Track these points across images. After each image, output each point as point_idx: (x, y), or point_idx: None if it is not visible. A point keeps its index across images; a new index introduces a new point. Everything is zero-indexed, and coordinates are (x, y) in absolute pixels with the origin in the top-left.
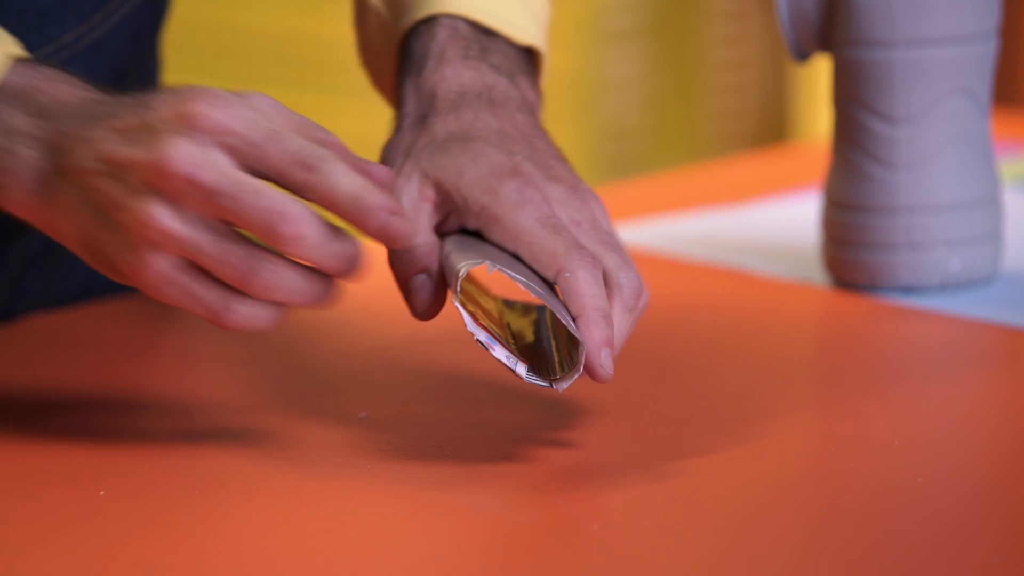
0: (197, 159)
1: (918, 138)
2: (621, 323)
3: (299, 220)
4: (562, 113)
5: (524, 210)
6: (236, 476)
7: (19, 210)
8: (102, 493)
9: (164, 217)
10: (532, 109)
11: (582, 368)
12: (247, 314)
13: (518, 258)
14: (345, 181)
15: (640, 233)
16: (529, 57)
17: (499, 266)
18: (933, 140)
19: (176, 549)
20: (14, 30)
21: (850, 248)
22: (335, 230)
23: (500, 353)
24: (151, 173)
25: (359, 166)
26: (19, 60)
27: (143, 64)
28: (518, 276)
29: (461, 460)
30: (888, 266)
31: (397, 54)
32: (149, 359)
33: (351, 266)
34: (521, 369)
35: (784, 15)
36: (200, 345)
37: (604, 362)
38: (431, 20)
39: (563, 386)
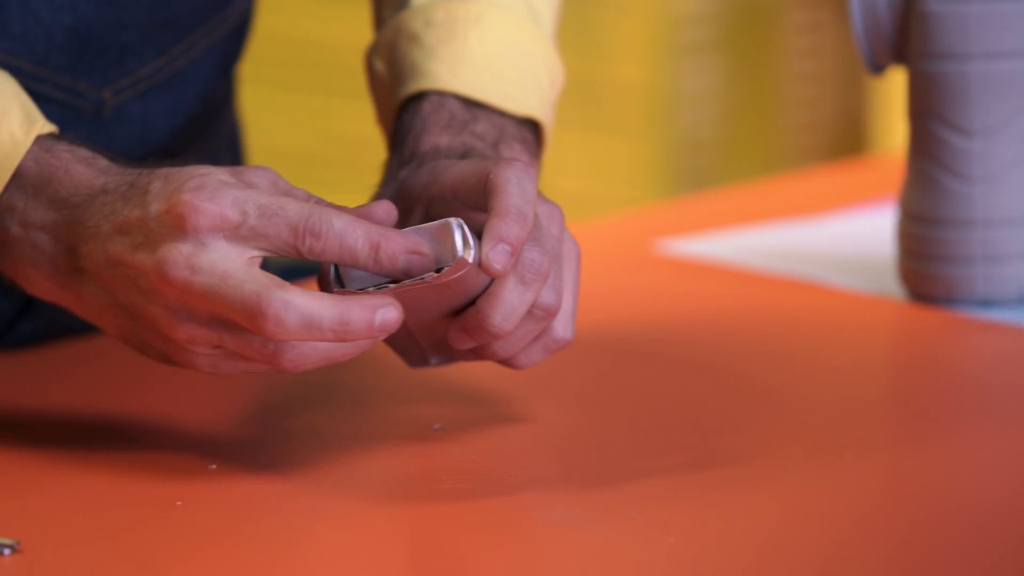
0: (190, 264)
1: (994, 151)
2: (513, 293)
3: (275, 309)
4: (637, 126)
5: (460, 164)
6: (314, 483)
7: (50, 298)
8: (179, 503)
9: (183, 321)
10: None
11: (472, 261)
12: (299, 353)
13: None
14: (354, 236)
15: (715, 246)
16: (530, 129)
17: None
18: (1009, 152)
19: (254, 559)
20: (92, 65)
21: (926, 261)
22: (326, 302)
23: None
24: (156, 280)
25: (360, 213)
26: (40, 139)
27: (222, 88)
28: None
29: (534, 472)
30: (965, 279)
31: (392, 124)
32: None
33: (376, 328)
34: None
35: (859, 28)
36: None
37: (497, 257)
38: (419, 96)
39: (433, 277)
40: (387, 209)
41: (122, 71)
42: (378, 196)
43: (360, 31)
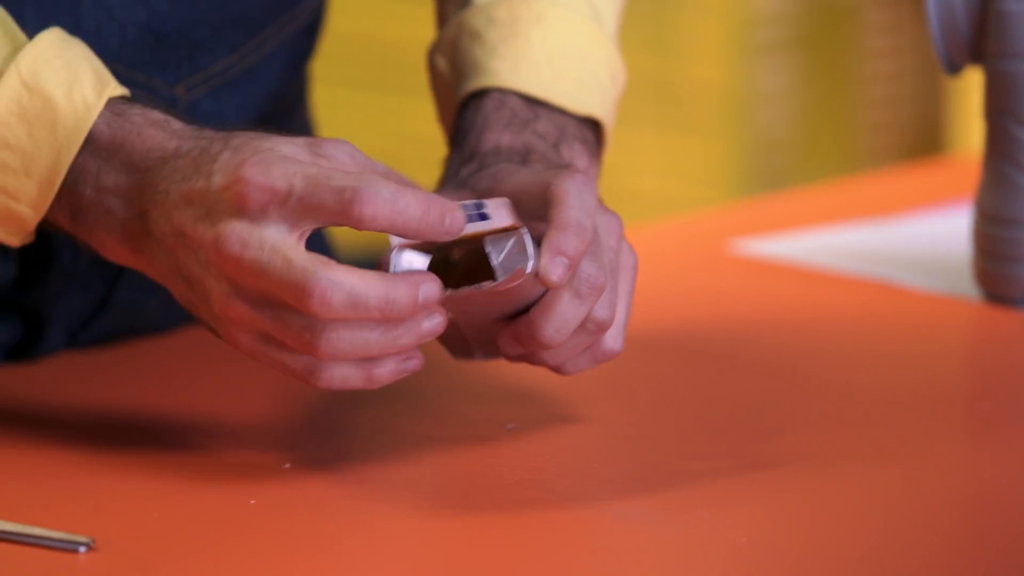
0: (244, 240)
1: None
2: (567, 307)
3: (321, 288)
4: (712, 126)
5: (522, 172)
6: (387, 482)
7: (123, 262)
8: (253, 502)
9: (233, 298)
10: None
11: (529, 271)
12: (335, 377)
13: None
14: (405, 200)
15: (790, 246)
16: (591, 128)
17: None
18: None
19: (328, 557)
20: (166, 62)
21: (1002, 262)
22: (371, 279)
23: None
24: (213, 253)
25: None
26: (112, 103)
27: (294, 86)
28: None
29: (606, 471)
30: None
31: (453, 121)
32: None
33: (423, 300)
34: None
35: (935, 28)
36: None
37: (555, 269)
38: (481, 93)
39: (490, 285)
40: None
41: (194, 67)
42: (438, 193)
43: (433, 31)
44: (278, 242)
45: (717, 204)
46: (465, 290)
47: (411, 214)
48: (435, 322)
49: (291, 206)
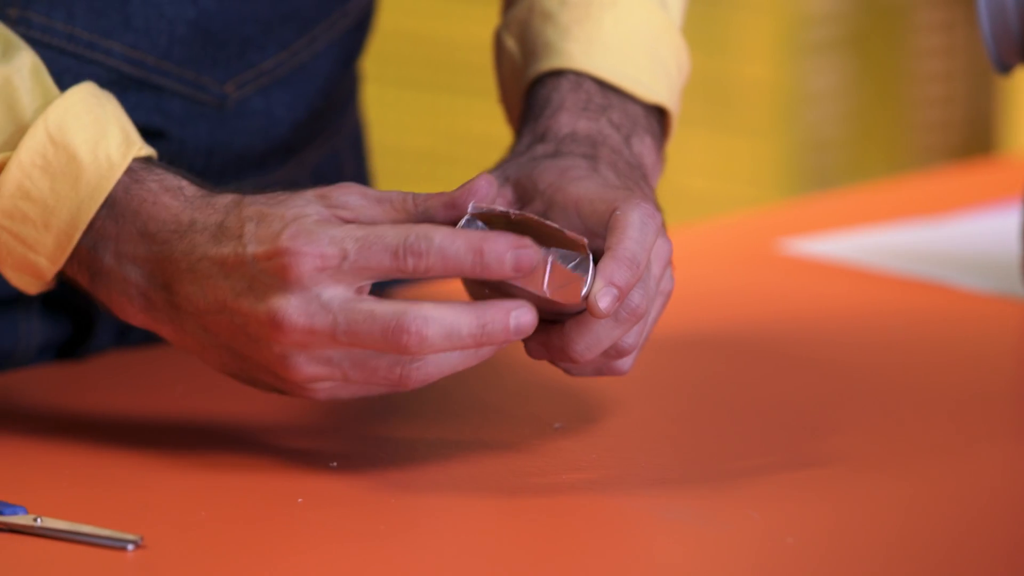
0: (307, 309)
1: None
2: (604, 329)
3: (416, 326)
4: (762, 125)
5: (590, 180)
6: (433, 480)
7: (145, 327)
8: (300, 500)
9: (302, 364)
10: (643, 170)
11: (582, 296)
12: (425, 373)
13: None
14: (455, 248)
15: (839, 245)
16: (657, 116)
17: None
18: None
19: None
20: (215, 59)
21: None
22: (462, 309)
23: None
24: (269, 328)
25: (463, 190)
26: (131, 168)
27: (344, 84)
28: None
29: (653, 470)
30: None
31: (523, 99)
32: None
33: (511, 331)
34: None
35: (986, 28)
36: None
37: (604, 300)
38: (557, 73)
39: (545, 292)
40: (488, 180)
41: (245, 65)
42: (506, 167)
43: (487, 29)
44: (345, 301)
45: (766, 203)
46: (517, 288)
47: (463, 259)
48: (526, 319)
49: (345, 270)
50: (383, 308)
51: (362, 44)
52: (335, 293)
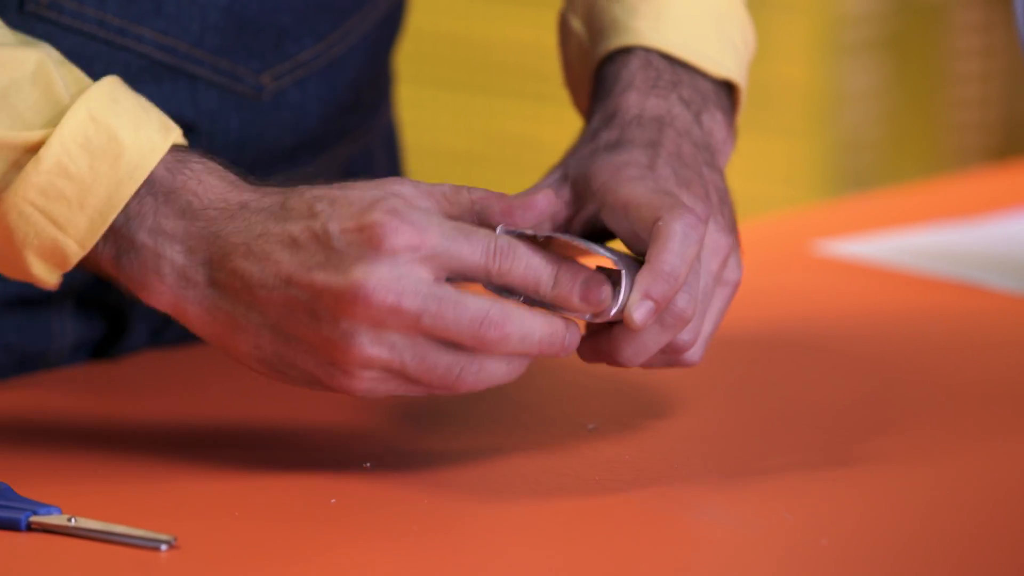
0: (397, 285)
1: None
2: (650, 335)
3: (501, 322)
4: (797, 125)
5: (642, 182)
6: (468, 482)
7: (167, 310)
8: (333, 501)
9: (365, 344)
10: (711, 149)
11: (611, 315)
12: (481, 378)
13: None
14: (538, 262)
15: (875, 247)
16: (726, 91)
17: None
18: None
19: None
20: (251, 49)
21: None
22: (536, 316)
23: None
24: (346, 302)
25: (522, 202)
26: (173, 149)
27: (377, 79)
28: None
29: (687, 471)
30: None
31: (592, 79)
32: None
33: (566, 346)
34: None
35: (1022, 28)
36: None
37: (639, 313)
38: (626, 50)
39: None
40: (547, 197)
41: (281, 56)
42: (568, 163)
43: (521, 30)
44: (435, 285)
45: (802, 204)
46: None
47: (542, 277)
48: (574, 340)
49: (436, 255)
50: (473, 299)
51: (392, 38)
52: (423, 276)
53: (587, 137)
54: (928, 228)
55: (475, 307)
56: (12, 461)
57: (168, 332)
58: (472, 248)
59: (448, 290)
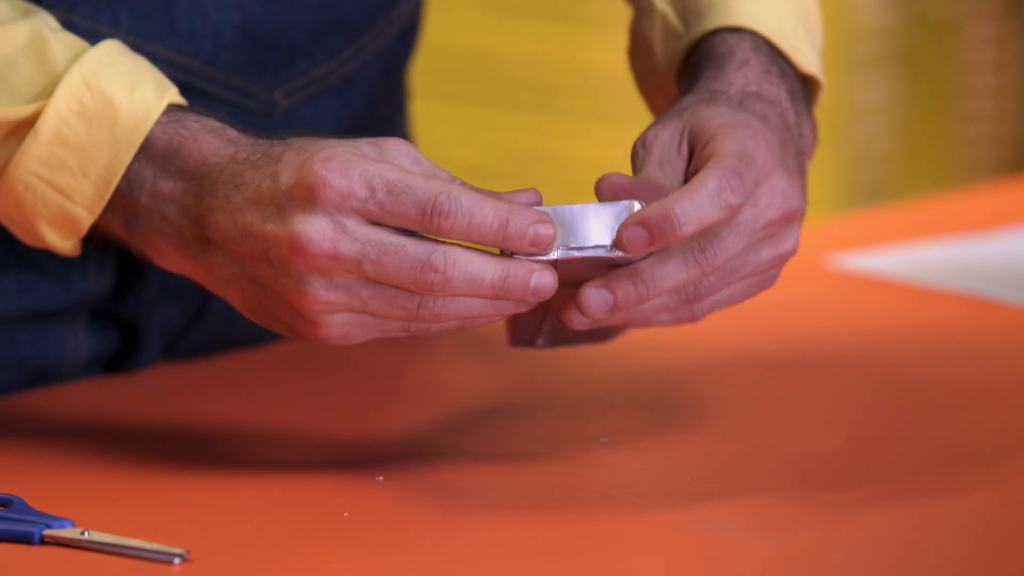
0: (330, 233)
1: None
2: (672, 267)
3: (443, 266)
4: None
5: (734, 138)
6: (480, 496)
7: (177, 270)
8: (346, 514)
9: (319, 290)
10: (801, 151)
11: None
12: (442, 310)
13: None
14: (483, 214)
15: (889, 261)
16: (805, 85)
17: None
18: None
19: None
20: (263, 66)
21: None
22: (489, 259)
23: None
24: (289, 251)
25: (506, 199)
26: (170, 109)
27: (392, 95)
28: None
29: (699, 485)
30: None
31: (682, 58)
32: (391, 386)
33: (533, 289)
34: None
35: None
36: (444, 369)
37: (628, 232)
38: (736, 30)
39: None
40: (530, 196)
41: (294, 73)
42: (687, 111)
43: (534, 44)
44: (375, 231)
45: (816, 218)
46: (577, 255)
47: (488, 227)
48: (545, 281)
49: (370, 209)
50: (414, 243)
51: (407, 54)
52: (359, 225)
53: (704, 97)
54: (941, 242)
55: (416, 252)
56: (26, 475)
57: (181, 346)
58: (409, 204)
59: (389, 236)
